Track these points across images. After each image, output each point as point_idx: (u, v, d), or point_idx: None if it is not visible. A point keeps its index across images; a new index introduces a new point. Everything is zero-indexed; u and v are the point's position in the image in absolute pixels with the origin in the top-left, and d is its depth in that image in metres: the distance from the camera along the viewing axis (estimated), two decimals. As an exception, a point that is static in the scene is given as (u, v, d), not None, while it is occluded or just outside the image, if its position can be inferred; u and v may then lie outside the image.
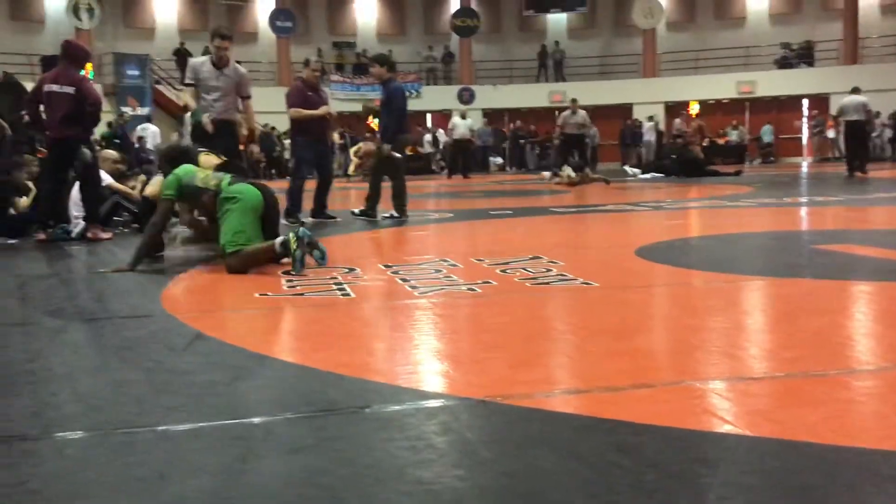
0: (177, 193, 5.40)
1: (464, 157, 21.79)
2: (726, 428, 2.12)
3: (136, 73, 25.30)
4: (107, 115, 22.45)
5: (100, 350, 3.38)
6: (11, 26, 25.59)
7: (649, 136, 26.59)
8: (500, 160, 27.71)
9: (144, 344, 3.32)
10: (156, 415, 2.36)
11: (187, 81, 7.41)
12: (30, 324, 3.90)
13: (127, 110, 24.16)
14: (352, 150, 22.03)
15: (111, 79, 24.99)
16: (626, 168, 20.46)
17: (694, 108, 27.94)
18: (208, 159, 5.92)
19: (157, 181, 6.04)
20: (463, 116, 21.83)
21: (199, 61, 7.39)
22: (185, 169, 5.48)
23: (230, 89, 7.32)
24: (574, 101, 17.56)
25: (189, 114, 8.49)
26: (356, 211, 8.91)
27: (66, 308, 4.32)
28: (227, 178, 5.38)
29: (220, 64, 7.23)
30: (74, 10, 25.17)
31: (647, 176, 18.55)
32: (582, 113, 17.06)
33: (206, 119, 7.07)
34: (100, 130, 19.53)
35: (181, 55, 26.18)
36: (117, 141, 16.83)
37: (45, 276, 5.46)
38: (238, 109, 7.56)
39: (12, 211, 7.51)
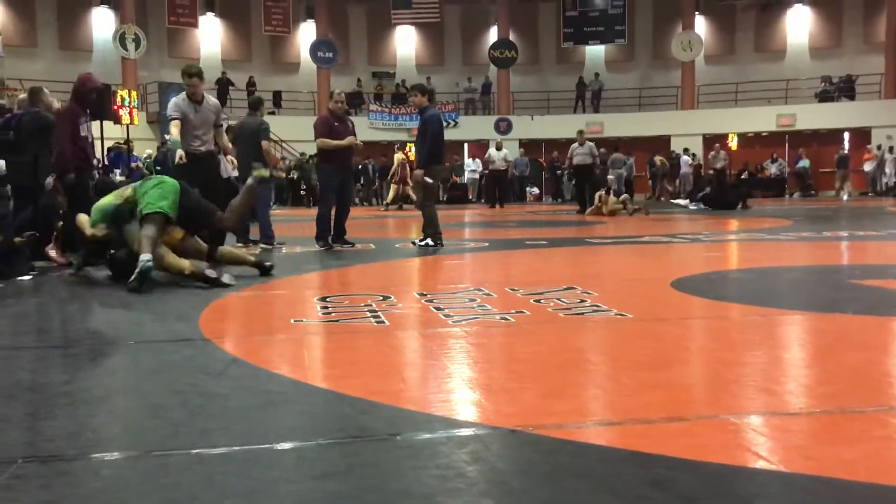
0: (104, 219, 5.99)
1: (499, 188, 21.89)
2: (761, 464, 2.09)
3: (180, 101, 25.74)
4: (151, 143, 22.97)
5: (136, 373, 3.43)
6: (60, 56, 26.27)
7: (685, 167, 26.43)
8: (536, 190, 27.73)
9: (180, 367, 3.36)
10: (190, 438, 2.39)
11: (172, 115, 7.62)
12: (69, 346, 3.97)
13: (169, 138, 24.59)
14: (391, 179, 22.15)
15: (155, 107, 25.50)
16: (679, 201, 20.35)
17: (733, 141, 27.77)
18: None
19: (83, 220, 6.32)
20: (498, 147, 21.95)
21: (181, 97, 7.66)
22: (102, 200, 6.11)
23: (208, 122, 7.56)
24: (581, 132, 17.66)
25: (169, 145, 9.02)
26: (420, 242, 8.94)
27: (104, 331, 4.40)
28: (135, 182, 6.19)
29: (194, 99, 7.47)
30: (120, 40, 25.79)
31: (693, 206, 18.46)
32: (589, 144, 17.19)
33: (179, 153, 7.53)
34: (144, 158, 19.94)
35: (223, 85, 26.67)
36: (158, 168, 17.12)
37: (84, 299, 5.56)
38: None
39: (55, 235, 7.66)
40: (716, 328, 4.26)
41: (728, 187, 19.24)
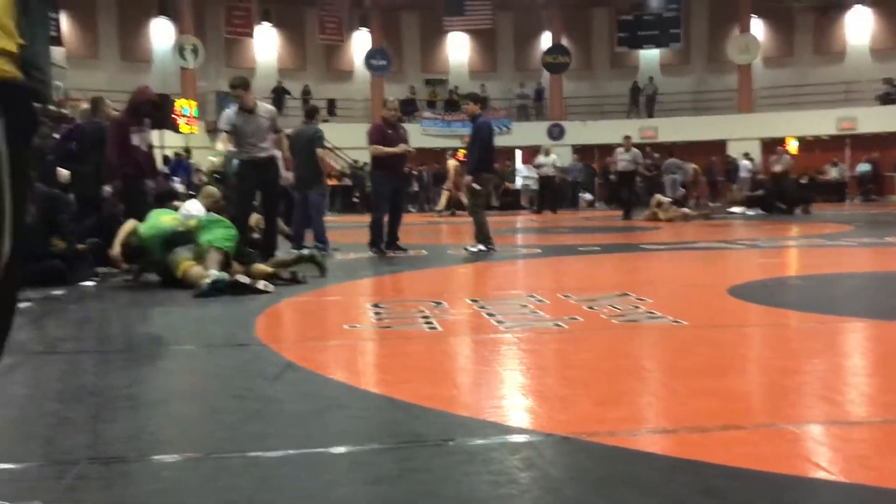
0: (159, 235, 6.21)
1: (548, 194, 21.82)
2: (819, 474, 2.05)
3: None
4: (209, 152, 23.35)
5: (195, 377, 3.50)
6: (121, 66, 26.91)
7: (744, 172, 25.95)
8: (589, 196, 27.52)
9: (237, 372, 3.42)
10: (246, 441, 2.43)
11: (223, 128, 7.73)
12: (129, 351, 4.07)
13: (216, 153, 24.98)
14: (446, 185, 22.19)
15: (213, 116, 25.97)
16: (735, 209, 20.01)
17: (792, 145, 27.23)
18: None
19: (125, 229, 6.52)
20: (546, 153, 21.91)
21: (232, 109, 7.76)
22: (163, 218, 6.38)
23: (262, 129, 7.63)
24: (627, 137, 17.55)
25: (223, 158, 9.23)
26: (472, 248, 8.98)
27: (163, 336, 4.49)
28: (201, 215, 6.65)
29: (245, 108, 7.56)
30: (180, 50, 26.35)
31: (751, 213, 18.15)
32: (634, 151, 17.11)
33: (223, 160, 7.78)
34: (206, 171, 20.26)
35: (279, 93, 27.04)
36: (217, 176, 17.45)
37: (144, 305, 5.68)
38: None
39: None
40: (774, 335, 4.18)
41: (788, 191, 18.81)
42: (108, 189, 7.47)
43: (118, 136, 7.40)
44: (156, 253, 6.28)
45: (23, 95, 1.59)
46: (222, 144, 7.75)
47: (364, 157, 23.95)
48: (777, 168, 20.16)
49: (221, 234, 6.17)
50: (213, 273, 5.75)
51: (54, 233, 6.77)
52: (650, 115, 29.45)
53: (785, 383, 3.05)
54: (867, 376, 3.26)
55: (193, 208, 7.26)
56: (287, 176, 8.25)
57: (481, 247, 8.87)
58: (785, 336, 4.16)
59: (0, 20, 1.54)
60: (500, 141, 20.81)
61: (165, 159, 18.41)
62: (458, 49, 31.08)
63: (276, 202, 8.11)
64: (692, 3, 29.71)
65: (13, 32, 1.56)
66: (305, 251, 7.04)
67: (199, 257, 6.05)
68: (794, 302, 5.35)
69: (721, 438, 2.35)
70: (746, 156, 26.04)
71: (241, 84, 7.72)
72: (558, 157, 22.80)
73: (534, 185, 24.03)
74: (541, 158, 21.85)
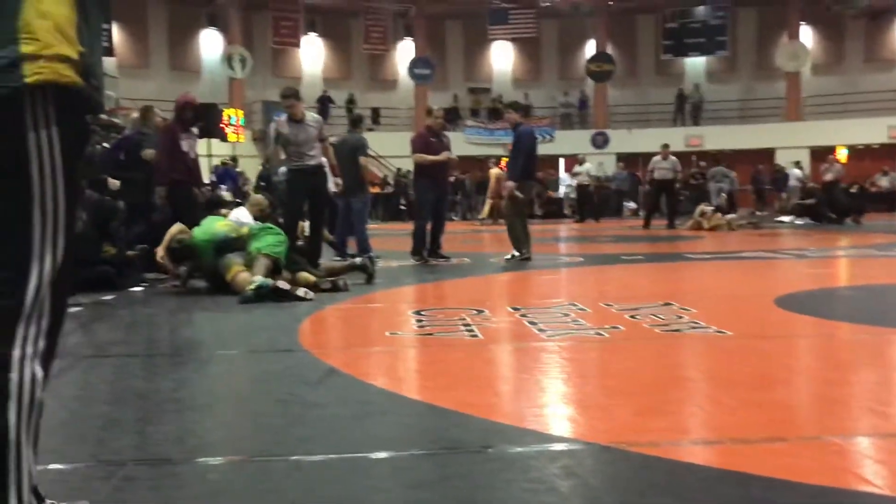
0: (211, 240, 6.33)
1: (584, 202, 21.73)
2: (864, 487, 2.02)
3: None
4: (255, 161, 23.65)
5: (239, 381, 3.55)
6: (171, 76, 27.41)
7: (794, 181, 25.52)
8: (633, 205, 27.29)
9: (281, 377, 3.46)
10: (289, 445, 2.46)
11: (272, 137, 7.86)
12: (177, 355, 4.15)
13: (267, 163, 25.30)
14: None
15: (260, 125, 26.30)
16: (783, 218, 19.71)
17: (841, 154, 26.73)
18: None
19: (171, 232, 6.67)
20: (580, 162, 21.86)
21: (282, 119, 7.85)
22: (217, 224, 6.51)
23: (312, 138, 7.71)
24: (665, 146, 17.39)
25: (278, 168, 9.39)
26: (510, 256, 8.98)
27: (209, 341, 4.57)
28: (253, 223, 6.74)
29: (294, 118, 7.64)
30: (228, 60, 26.77)
31: (801, 222, 17.86)
32: (672, 159, 16.96)
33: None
34: (253, 175, 20.51)
35: (324, 102, 27.31)
36: (263, 184, 17.65)
37: (191, 310, 5.78)
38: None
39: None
40: (821, 347, 4.12)
41: (839, 200, 18.45)
42: (160, 190, 7.65)
43: (167, 142, 7.59)
44: (207, 258, 6.40)
45: (81, 102, 1.65)
46: (277, 156, 7.88)
47: (407, 166, 24.10)
48: (828, 177, 19.80)
49: (271, 240, 6.27)
50: (258, 279, 5.83)
51: (105, 239, 6.92)
52: (696, 123, 29.14)
53: (832, 395, 3.01)
54: (917, 389, 3.19)
55: (243, 216, 7.37)
56: (336, 181, 8.33)
57: (515, 253, 8.87)
58: (832, 347, 4.09)
59: (63, 28, 1.59)
60: (543, 149, 20.74)
61: (215, 168, 18.67)
62: (501, 57, 31.09)
63: (324, 210, 8.21)
64: (739, 11, 29.36)
65: (74, 40, 1.61)
66: (358, 260, 7.14)
67: (250, 264, 6.15)
68: (842, 313, 5.25)
69: (765, 450, 2.33)
70: (797, 164, 25.61)
71: (293, 94, 7.85)
72: (593, 166, 22.71)
73: (572, 194, 24.02)
74: (576, 167, 21.84)
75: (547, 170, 25.73)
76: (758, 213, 20.80)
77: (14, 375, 1.51)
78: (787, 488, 2.01)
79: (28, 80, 1.53)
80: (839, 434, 2.46)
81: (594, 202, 22.47)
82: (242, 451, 2.44)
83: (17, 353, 1.52)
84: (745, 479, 2.09)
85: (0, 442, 1.52)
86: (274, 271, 6.10)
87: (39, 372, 1.56)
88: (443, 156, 8.97)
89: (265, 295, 5.70)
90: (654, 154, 18.45)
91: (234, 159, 19.57)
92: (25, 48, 1.54)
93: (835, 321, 4.84)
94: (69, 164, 1.63)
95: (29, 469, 1.57)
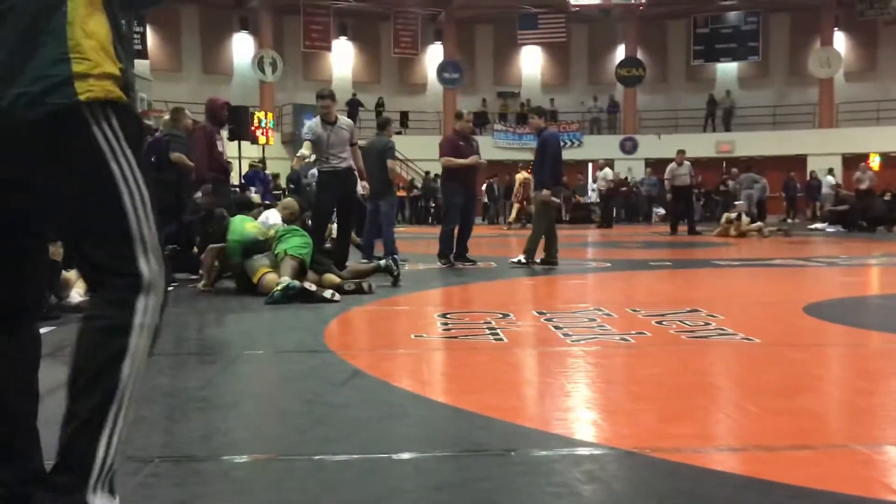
0: (241, 241, 6.42)
1: (606, 207, 21.71)
2: (891, 496, 1.99)
3: (313, 122, 26.69)
4: (285, 163, 23.84)
5: (265, 381, 3.58)
6: (203, 79, 27.70)
7: (827, 188, 25.20)
8: (662, 211, 27.14)
9: (306, 377, 3.49)
10: (313, 445, 2.48)
11: (307, 137, 7.90)
12: (204, 354, 4.19)
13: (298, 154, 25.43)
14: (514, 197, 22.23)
15: (290, 128, 26.47)
16: (816, 225, 19.52)
17: (874, 161, 26.38)
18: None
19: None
20: (600, 167, 21.87)
21: (315, 121, 7.90)
22: (246, 226, 6.57)
23: (343, 141, 7.74)
24: (681, 152, 17.27)
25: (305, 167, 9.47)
26: (538, 260, 8.97)
27: (236, 340, 4.61)
28: (279, 226, 6.73)
29: (328, 120, 7.67)
30: (259, 63, 27.00)
31: (832, 230, 17.66)
32: (687, 164, 16.84)
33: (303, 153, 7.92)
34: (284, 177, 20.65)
35: (353, 105, 27.43)
36: (292, 186, 17.76)
37: (219, 310, 5.83)
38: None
39: (195, 250, 8.07)
40: (850, 355, 4.07)
41: (875, 208, 18.19)
42: (203, 190, 7.79)
43: (205, 142, 7.78)
44: (235, 258, 6.46)
45: (127, 114, 1.73)
46: (306, 150, 7.93)
47: (435, 169, 24.15)
48: (864, 185, 19.54)
49: (297, 242, 6.31)
50: (285, 280, 5.88)
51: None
52: (727, 129, 28.93)
53: (860, 404, 2.97)
54: (948, 400, 3.15)
55: (272, 217, 7.43)
56: (364, 185, 8.37)
57: (522, 258, 8.83)
58: (862, 356, 4.04)
59: (105, 47, 1.68)
60: (571, 154, 20.58)
61: (247, 170, 18.79)
62: (531, 62, 31.07)
63: (353, 213, 8.25)
64: (771, 16, 29.12)
65: (115, 57, 1.71)
66: (383, 262, 7.16)
67: (276, 265, 6.20)
68: (873, 322, 5.18)
69: (791, 458, 2.31)
70: (830, 171, 25.30)
71: (329, 95, 7.92)
72: (611, 172, 22.66)
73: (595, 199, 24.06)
74: (598, 173, 21.88)
75: (575, 175, 25.66)
76: (789, 220, 20.58)
77: (132, 340, 1.69)
78: (811, 496, 2.00)
79: (80, 97, 1.63)
80: (867, 443, 2.43)
81: (611, 207, 22.41)
82: (267, 449, 2.47)
83: (137, 320, 1.70)
84: (770, 487, 2.07)
85: (108, 395, 1.67)
86: (300, 273, 6.14)
87: (149, 341, 1.75)
88: (471, 159, 8.99)
89: (292, 296, 5.74)
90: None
91: (263, 162, 19.70)
92: (77, 67, 1.63)
93: (864, 329, 4.79)
94: (136, 153, 1.74)
95: (122, 432, 1.70)
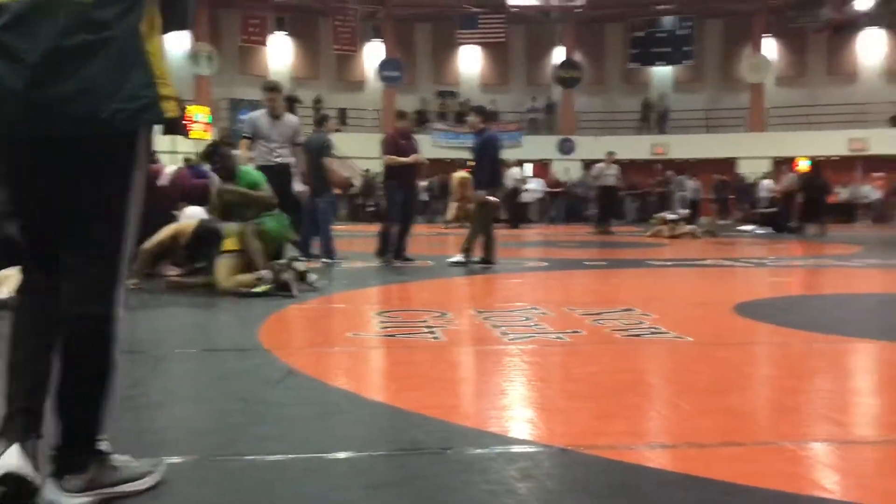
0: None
1: (512, 207, 21.83)
2: (818, 492, 2.05)
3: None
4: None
5: (197, 380, 3.51)
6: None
7: (764, 192, 25.80)
8: (595, 211, 27.53)
9: (240, 376, 3.43)
10: (248, 444, 2.44)
11: (245, 133, 7.80)
12: (134, 352, 4.08)
13: (237, 152, 25.09)
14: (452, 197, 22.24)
15: (226, 123, 26.06)
16: (744, 227, 19.98)
17: (803, 165, 27.15)
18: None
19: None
20: (508, 166, 22.15)
21: (259, 112, 7.79)
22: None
23: (286, 137, 7.67)
24: (610, 153, 17.81)
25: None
26: (476, 259, 8.98)
27: (167, 339, 4.51)
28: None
29: (273, 114, 7.59)
30: (194, 57, 26.51)
31: (762, 231, 18.11)
32: (615, 166, 17.32)
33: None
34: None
35: (291, 101, 27.15)
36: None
37: (150, 307, 5.70)
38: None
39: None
40: (779, 354, 4.17)
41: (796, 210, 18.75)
42: None
43: None
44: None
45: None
46: (242, 150, 7.78)
47: (374, 167, 24.06)
48: (787, 187, 20.12)
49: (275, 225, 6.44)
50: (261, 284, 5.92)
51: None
52: (661, 132, 29.46)
53: (788, 402, 3.05)
54: (871, 397, 3.25)
55: (198, 216, 7.29)
56: (303, 188, 8.22)
57: (461, 257, 8.86)
58: (790, 355, 4.15)
59: (164, 71, 1.99)
60: (511, 154, 20.68)
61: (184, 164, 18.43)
62: (470, 61, 31.17)
63: (287, 209, 8.12)
64: (705, 22, 29.76)
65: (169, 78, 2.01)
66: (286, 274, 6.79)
67: (245, 235, 6.22)
68: (801, 321, 5.32)
69: (721, 454, 2.35)
70: (766, 175, 25.79)
71: (275, 88, 7.80)
72: (519, 171, 22.98)
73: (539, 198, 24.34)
74: (507, 172, 22.10)
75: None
76: (719, 221, 21.05)
77: (117, 327, 2.03)
78: (742, 492, 2.04)
79: (168, 115, 1.95)
80: (794, 440, 2.49)
81: (519, 206, 22.50)
82: (199, 450, 2.41)
83: (120, 310, 2.03)
84: (702, 483, 2.11)
85: (110, 376, 2.04)
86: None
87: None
88: (412, 158, 8.98)
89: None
90: (619, 162, 18.68)
91: (200, 156, 19.38)
92: (164, 90, 1.97)
93: (792, 329, 4.91)
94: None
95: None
